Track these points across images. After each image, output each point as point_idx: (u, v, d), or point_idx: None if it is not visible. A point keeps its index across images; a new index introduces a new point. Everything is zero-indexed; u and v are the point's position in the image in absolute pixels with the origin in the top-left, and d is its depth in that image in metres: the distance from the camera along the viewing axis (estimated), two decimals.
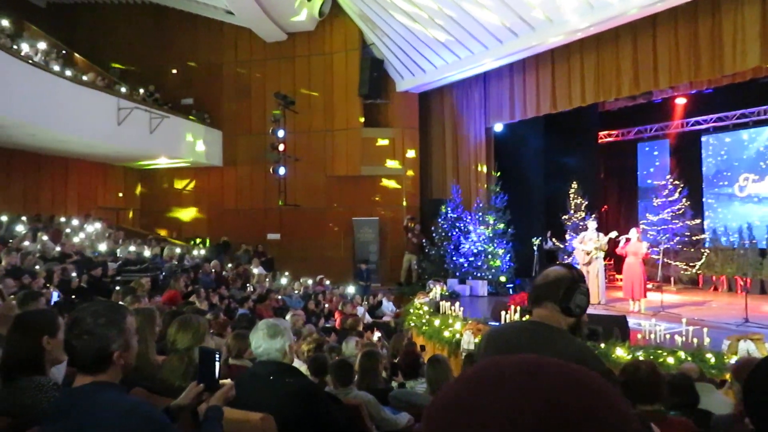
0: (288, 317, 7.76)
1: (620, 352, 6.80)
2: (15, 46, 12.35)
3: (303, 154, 16.35)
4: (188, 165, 17.64)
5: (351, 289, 14.36)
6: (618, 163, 17.77)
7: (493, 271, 14.23)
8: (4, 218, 12.36)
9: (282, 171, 15.23)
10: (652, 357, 6.40)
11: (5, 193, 14.33)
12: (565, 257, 13.91)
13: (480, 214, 14.65)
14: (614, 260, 14.55)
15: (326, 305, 12.22)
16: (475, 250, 14.41)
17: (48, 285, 7.93)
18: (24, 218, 13.15)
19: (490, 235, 14.41)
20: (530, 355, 0.64)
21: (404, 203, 16.64)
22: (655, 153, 16.79)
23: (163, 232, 17.76)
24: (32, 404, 2.18)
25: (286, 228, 17.35)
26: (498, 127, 15.76)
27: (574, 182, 15.44)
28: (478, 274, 14.22)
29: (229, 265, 14.03)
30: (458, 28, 13.10)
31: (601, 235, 11.27)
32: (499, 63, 14.02)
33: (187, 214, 18.39)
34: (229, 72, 17.82)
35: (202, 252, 14.88)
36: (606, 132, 17.63)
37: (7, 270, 7.95)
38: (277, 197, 15.81)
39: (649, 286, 11.46)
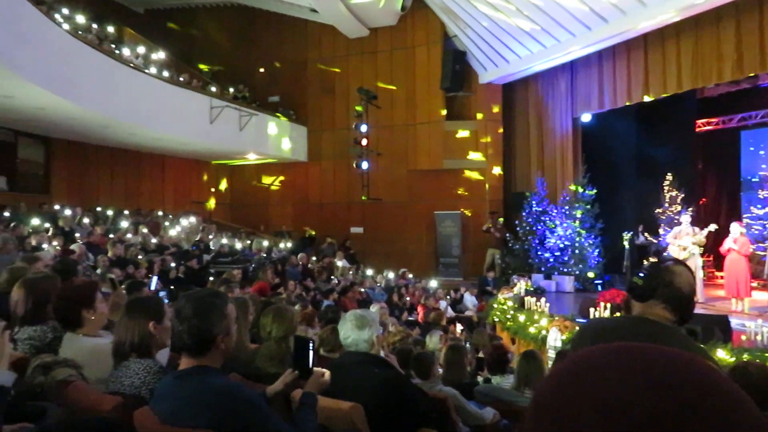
0: (373, 309, 7.85)
1: (722, 354, 6.39)
2: (117, 51, 13.20)
3: (385, 148, 16.47)
4: (275, 161, 18.22)
5: (433, 283, 14.35)
6: (718, 152, 16.62)
7: (580, 266, 13.75)
8: (110, 212, 13.29)
9: (365, 165, 15.41)
10: (758, 360, 5.97)
11: (110, 189, 15.39)
12: (664, 254, 13.22)
13: (567, 207, 14.19)
14: (713, 256, 13.68)
15: (408, 298, 12.28)
16: (562, 245, 13.97)
17: (149, 275, 8.43)
18: (126, 212, 14.08)
19: (578, 229, 13.94)
20: (640, 343, 0.62)
21: (487, 197, 16.41)
22: (761, 142, 15.59)
23: (251, 227, 18.45)
24: (141, 385, 2.33)
25: (369, 222, 17.57)
26: (586, 118, 15.16)
27: (669, 174, 14.62)
28: (565, 270, 13.79)
29: (314, 258, 14.39)
30: (544, 16, 12.71)
31: (698, 229, 10.62)
32: (588, 50, 13.48)
33: (274, 208, 19.01)
34: (313, 69, 18.22)
35: (289, 245, 15.34)
36: (705, 120, 16.53)
37: (113, 261, 8.53)
38: (360, 191, 16.02)
39: (754, 284, 10.68)
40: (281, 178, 18.92)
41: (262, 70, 18.64)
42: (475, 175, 16.59)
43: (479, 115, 16.51)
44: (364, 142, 15.44)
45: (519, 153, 16.68)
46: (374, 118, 16.08)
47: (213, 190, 19.07)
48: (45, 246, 8.31)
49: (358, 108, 15.41)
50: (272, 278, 10.01)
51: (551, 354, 7.57)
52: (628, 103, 13.63)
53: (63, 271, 4.63)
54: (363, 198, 15.99)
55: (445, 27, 16.31)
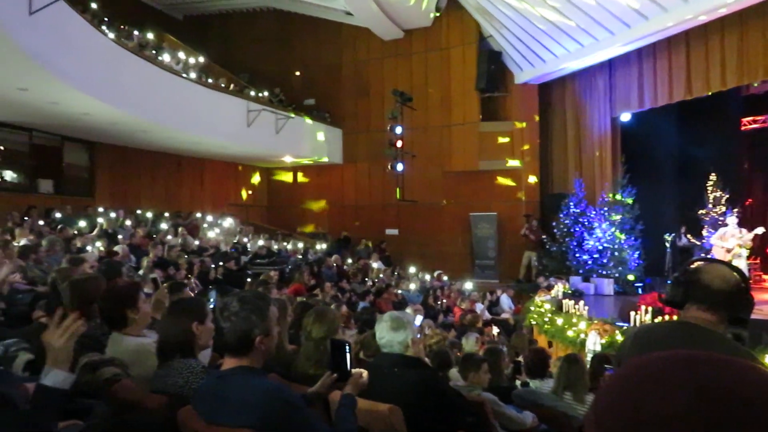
0: (408, 311, 7.84)
1: None
2: (158, 57, 13.51)
3: (420, 150, 16.44)
4: (310, 163, 18.37)
5: (469, 285, 14.25)
6: (765, 151, 16.08)
7: (620, 269, 13.46)
8: (150, 215, 13.60)
9: (400, 167, 15.41)
10: None
11: (151, 192, 15.75)
12: (702, 255, 12.86)
13: (606, 208, 13.92)
14: (761, 259, 13.23)
15: (444, 300, 12.22)
16: (600, 247, 13.70)
17: (189, 276, 8.60)
18: (166, 214, 14.38)
19: (617, 231, 13.65)
20: (690, 351, 0.63)
21: (523, 198, 16.23)
22: None
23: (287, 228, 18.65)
24: (184, 384, 2.37)
25: (404, 223, 17.57)
26: (625, 117, 14.86)
27: (713, 174, 14.20)
28: (604, 272, 13.51)
29: (350, 260, 14.45)
30: (581, 15, 12.50)
31: (745, 231, 10.28)
32: (627, 48, 13.21)
33: (309, 209, 19.17)
34: (348, 72, 18.32)
35: (324, 246, 15.45)
36: (751, 118, 16.01)
37: (154, 262, 8.73)
38: (395, 193, 16.03)
39: None
40: (316, 180, 19.04)
41: (297, 73, 18.84)
42: (511, 177, 16.43)
43: (515, 116, 16.34)
44: (399, 143, 15.44)
45: (556, 154, 16.45)
46: (409, 120, 16.07)
47: (250, 192, 19.34)
48: (89, 248, 8.55)
49: (393, 110, 15.42)
50: (308, 280, 10.09)
51: (590, 358, 7.43)
52: (669, 102, 13.30)
53: (108, 272, 4.77)
54: (398, 198, 15.97)
55: (480, 27, 16.20)
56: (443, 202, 17.08)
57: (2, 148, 12.15)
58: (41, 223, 10.14)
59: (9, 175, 12.54)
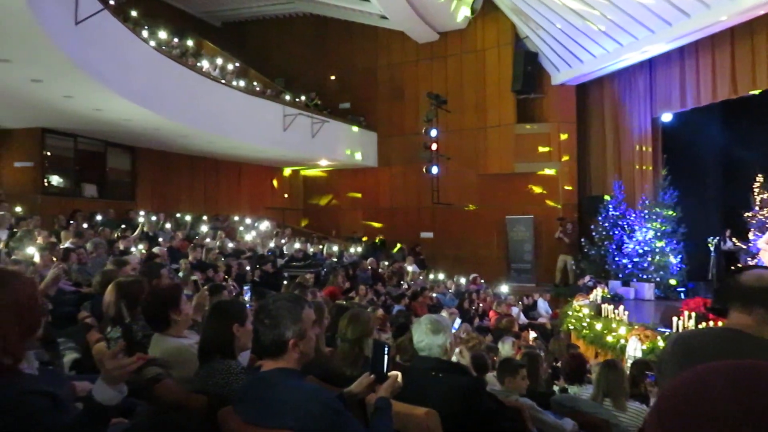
0: (443, 315, 7.80)
1: None
2: (197, 64, 13.80)
3: (455, 152, 16.36)
4: (346, 166, 18.48)
5: (505, 289, 14.11)
6: None
7: (661, 273, 13.14)
8: (189, 218, 13.88)
9: (435, 170, 15.37)
10: None
11: (190, 196, 16.08)
12: (748, 259, 12.44)
13: (646, 211, 13.61)
14: None
15: (480, 304, 12.12)
16: (641, 250, 13.41)
17: (227, 278, 8.74)
18: (205, 217, 14.65)
19: (658, 234, 13.33)
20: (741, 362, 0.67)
21: (560, 200, 16.00)
22: None
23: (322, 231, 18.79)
24: (224, 385, 2.41)
25: (439, 226, 17.51)
26: (666, 117, 14.51)
27: (759, 175, 13.73)
28: (644, 276, 13.22)
29: (385, 263, 14.46)
30: (620, 13, 12.26)
31: None
32: (668, 47, 12.90)
33: (344, 213, 19.27)
34: (383, 75, 18.38)
35: (359, 249, 15.50)
36: None
37: (193, 264, 8.90)
38: (429, 196, 15.99)
39: None
40: (351, 183, 19.14)
41: (333, 77, 18.97)
42: (547, 179, 16.21)
43: (552, 117, 16.13)
44: (434, 146, 15.39)
45: (594, 155, 16.17)
46: (444, 123, 16.02)
47: (286, 195, 19.55)
48: (132, 250, 8.77)
49: (428, 113, 15.39)
50: (343, 282, 10.13)
51: (630, 364, 7.26)
52: (713, 101, 12.93)
53: (149, 274, 4.88)
54: (433, 202, 15.93)
55: (515, 28, 16.06)
56: (478, 205, 16.96)
57: (49, 154, 12.56)
58: (85, 226, 10.44)
59: (55, 179, 12.96)
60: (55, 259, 6.20)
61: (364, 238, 17.52)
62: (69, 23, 7.65)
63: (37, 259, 5.91)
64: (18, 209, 10.35)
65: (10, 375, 1.61)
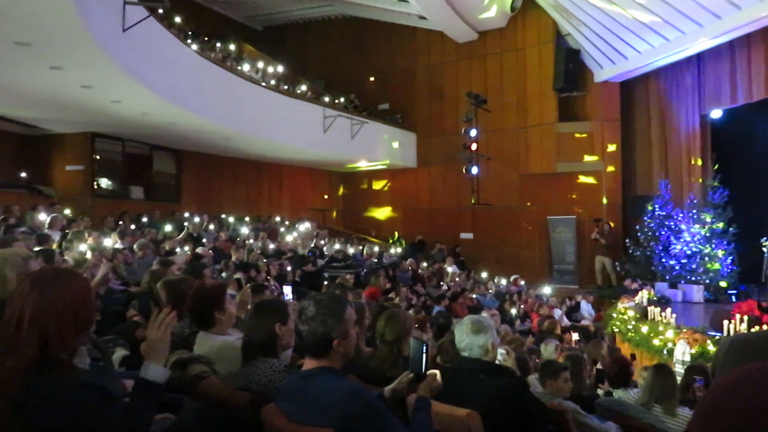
0: (484, 315, 7.73)
1: None
2: (239, 67, 14.05)
3: (495, 152, 16.20)
4: (385, 167, 18.51)
5: (547, 290, 13.90)
6: None
7: (710, 274, 12.71)
8: (231, 219, 14.13)
9: (475, 170, 15.25)
10: None
11: (232, 198, 16.38)
12: None
13: (694, 211, 13.20)
14: None
15: (521, 306, 11.97)
16: (689, 252, 13.00)
17: (268, 278, 8.86)
18: (247, 219, 14.90)
19: (707, 234, 12.91)
20: None
21: (604, 200, 15.66)
22: None
23: (362, 232, 18.87)
24: (267, 383, 2.45)
25: (479, 227, 17.37)
26: (715, 114, 14.05)
27: None
28: (692, 278, 12.81)
29: (424, 264, 14.43)
30: (666, 7, 11.92)
31: None
32: (717, 41, 12.47)
33: (384, 213, 19.32)
34: (422, 75, 18.35)
35: (399, 250, 15.50)
36: None
37: (236, 264, 9.05)
38: (469, 196, 15.87)
39: None
40: (390, 184, 19.16)
41: (372, 78, 19.04)
42: (590, 179, 15.90)
43: (595, 115, 15.81)
44: (474, 146, 15.27)
45: (639, 154, 15.77)
46: (484, 122, 15.87)
47: (326, 197, 19.72)
48: (177, 250, 8.99)
49: (468, 112, 15.28)
50: (384, 283, 10.15)
51: (678, 368, 7.05)
52: (766, 97, 12.46)
53: (193, 273, 4.99)
54: (473, 202, 15.80)
55: (557, 26, 15.81)
56: (519, 205, 16.76)
57: (98, 157, 12.99)
58: (133, 227, 10.75)
59: (104, 182, 13.40)
60: (104, 259, 6.40)
61: (395, 241, 17.50)
62: (117, 30, 7.89)
63: (88, 258, 6.11)
64: (69, 211, 10.72)
65: (65, 369, 1.67)
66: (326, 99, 16.66)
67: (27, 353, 1.62)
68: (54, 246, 6.89)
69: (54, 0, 6.02)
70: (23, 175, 11.81)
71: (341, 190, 20.18)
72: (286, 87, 15.35)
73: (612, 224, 15.09)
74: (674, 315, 9.18)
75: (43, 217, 8.66)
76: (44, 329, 1.64)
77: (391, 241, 17.58)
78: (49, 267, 2.72)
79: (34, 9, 6.18)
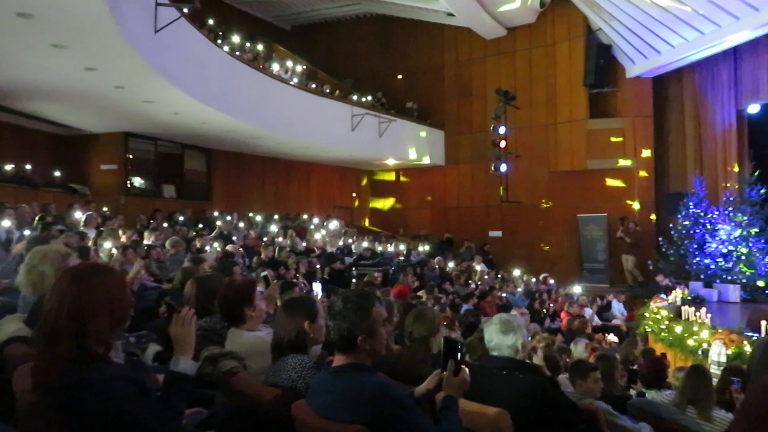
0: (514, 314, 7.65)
1: None
2: (268, 67, 14.18)
3: (525, 149, 16.03)
4: (413, 165, 18.48)
5: (577, 289, 13.71)
6: None
7: (747, 274, 12.38)
8: (260, 217, 14.28)
9: (503, 168, 15.12)
10: None
11: (261, 196, 16.55)
12: None
13: (731, 209, 12.87)
14: None
15: (551, 305, 11.83)
16: (725, 250, 12.68)
17: (297, 275, 8.93)
18: (276, 217, 15.03)
19: (744, 233, 12.57)
20: None
21: (636, 198, 15.38)
22: None
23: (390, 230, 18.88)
24: (297, 379, 2.47)
25: (508, 225, 17.22)
26: (753, 109, 13.70)
27: None
28: (728, 278, 12.49)
29: (452, 263, 14.37)
30: (700, 0, 11.64)
31: None
32: (755, 34, 12.16)
33: (412, 211, 19.29)
34: (450, 73, 18.26)
35: (427, 248, 15.46)
36: None
37: (265, 262, 9.14)
38: (498, 194, 15.75)
39: None
40: (418, 182, 19.12)
41: (400, 76, 19.02)
42: (622, 176, 15.64)
43: (626, 111, 15.53)
44: (503, 144, 15.14)
45: (673, 150, 15.46)
46: (513, 119, 15.73)
47: (354, 195, 19.77)
48: (208, 248, 9.11)
49: (496, 109, 15.16)
50: (412, 281, 10.14)
51: (714, 370, 6.89)
52: None
53: (223, 270, 5.05)
54: (501, 199, 15.66)
55: (588, 21, 15.58)
56: (549, 203, 16.57)
57: (131, 156, 13.25)
58: (165, 225, 10.93)
59: (137, 181, 13.66)
60: (137, 257, 6.53)
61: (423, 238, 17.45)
62: (149, 32, 8.03)
63: (118, 255, 6.23)
64: (105, 209, 10.96)
65: (102, 362, 1.71)
66: (354, 97, 16.69)
67: (64, 346, 1.66)
68: (89, 243, 7.04)
69: (89, 3, 6.16)
70: (59, 174, 12.11)
71: (369, 189, 20.20)
72: (314, 86, 15.43)
73: (636, 222, 14.85)
74: (709, 315, 8.96)
75: (79, 215, 8.87)
76: (81, 323, 1.68)
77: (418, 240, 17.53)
78: (87, 263, 2.79)
79: (70, 12, 6.35)
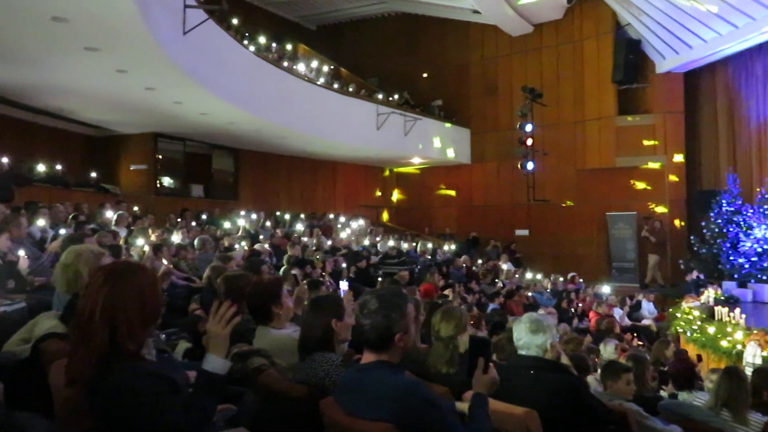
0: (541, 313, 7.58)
1: None
2: (294, 67, 14.26)
3: (552, 147, 15.86)
4: (438, 163, 18.42)
5: (606, 289, 13.52)
6: None
7: None
8: (287, 216, 14.38)
9: (530, 166, 14.97)
10: None
11: (288, 195, 16.67)
12: None
13: (765, 207, 12.55)
14: None
15: (579, 305, 11.69)
16: (760, 249, 12.40)
17: (323, 274, 8.96)
18: (302, 216, 15.12)
19: None
20: None
21: (667, 196, 15.09)
22: None
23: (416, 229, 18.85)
24: (324, 376, 2.48)
25: (535, 224, 17.06)
26: None
27: None
28: (764, 277, 12.19)
29: (479, 261, 14.28)
30: None
31: None
32: None
33: (437, 210, 19.23)
34: (476, 70, 18.15)
35: (453, 247, 15.40)
36: None
37: (291, 261, 9.20)
38: (525, 193, 15.61)
39: None
40: (444, 180, 19.04)
41: (425, 75, 18.97)
42: (652, 173, 15.35)
43: (657, 108, 15.25)
44: (530, 141, 14.99)
45: (705, 147, 15.14)
46: (540, 117, 15.55)
47: (379, 194, 19.79)
48: (236, 247, 9.21)
49: (523, 107, 15.02)
50: (438, 280, 10.10)
51: (749, 371, 6.73)
52: None
53: (251, 268, 5.10)
54: (528, 199, 15.52)
55: (616, 16, 15.34)
56: (577, 201, 16.36)
57: (161, 156, 13.47)
58: (193, 224, 11.08)
59: (167, 180, 13.88)
60: (163, 258, 6.62)
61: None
62: (178, 34, 8.15)
63: (149, 254, 6.33)
64: (135, 208, 11.16)
65: (134, 359, 1.75)
66: (379, 96, 16.69)
67: (98, 343, 1.69)
68: (120, 242, 7.18)
69: (120, 7, 6.28)
70: (92, 174, 12.37)
71: (395, 187, 20.20)
72: (339, 85, 15.47)
73: (661, 221, 14.59)
74: (744, 315, 8.75)
75: (110, 214, 9.04)
76: (114, 321, 1.71)
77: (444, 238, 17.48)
78: (120, 261, 2.84)
79: (102, 16, 6.48)
